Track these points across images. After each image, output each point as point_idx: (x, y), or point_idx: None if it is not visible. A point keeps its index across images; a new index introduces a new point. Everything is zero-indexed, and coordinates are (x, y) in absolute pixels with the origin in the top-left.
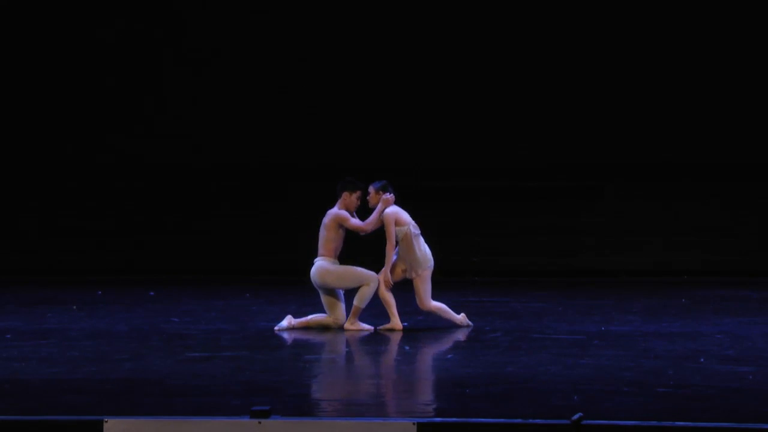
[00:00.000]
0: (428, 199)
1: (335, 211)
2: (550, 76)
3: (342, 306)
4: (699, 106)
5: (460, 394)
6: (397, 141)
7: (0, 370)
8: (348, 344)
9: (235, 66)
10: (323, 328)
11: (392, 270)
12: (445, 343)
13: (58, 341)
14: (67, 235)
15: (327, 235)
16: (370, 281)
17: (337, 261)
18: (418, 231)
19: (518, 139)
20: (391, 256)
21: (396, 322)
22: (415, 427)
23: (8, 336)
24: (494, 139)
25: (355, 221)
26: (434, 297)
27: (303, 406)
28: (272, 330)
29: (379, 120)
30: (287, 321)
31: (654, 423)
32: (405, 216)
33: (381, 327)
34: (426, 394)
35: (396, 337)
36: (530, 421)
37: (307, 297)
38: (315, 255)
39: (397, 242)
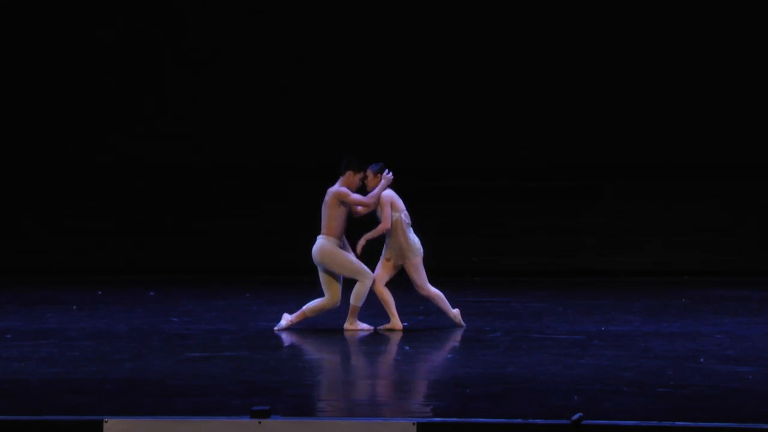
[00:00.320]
0: (428, 199)
1: (336, 188)
2: (550, 76)
3: (339, 286)
4: (699, 106)
5: (460, 394)
6: (397, 141)
7: (0, 370)
8: (348, 344)
9: (235, 66)
10: (320, 315)
11: (383, 266)
12: (445, 343)
13: (58, 341)
14: (67, 235)
15: (329, 213)
16: (364, 278)
17: (339, 241)
18: (409, 221)
19: (518, 139)
20: (379, 232)
21: (396, 322)
22: (415, 427)
23: (8, 336)
24: (494, 139)
25: (356, 196)
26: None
27: (303, 406)
28: (272, 330)
29: (379, 120)
30: (285, 320)
31: (654, 423)
32: (400, 203)
33: (381, 327)
34: (426, 394)
35: (396, 337)
36: (530, 421)
37: (307, 297)
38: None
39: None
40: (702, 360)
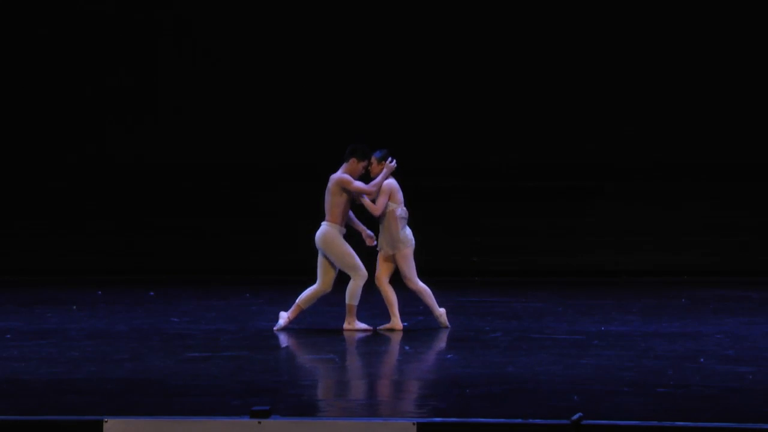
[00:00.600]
0: (428, 199)
1: (338, 174)
2: (551, 76)
3: (334, 275)
4: (699, 107)
5: (460, 394)
6: (396, 141)
7: (0, 370)
8: (347, 344)
9: (238, 66)
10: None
11: (382, 263)
12: (445, 343)
13: (58, 341)
14: (67, 235)
15: (332, 200)
16: (357, 276)
17: (343, 228)
18: (406, 215)
19: (518, 139)
20: (369, 208)
21: (396, 322)
22: (415, 427)
23: (8, 336)
24: (494, 140)
25: (358, 183)
26: (434, 296)
27: (303, 406)
28: (272, 330)
29: (378, 120)
30: (282, 319)
31: (654, 423)
32: (400, 195)
33: (381, 327)
34: (426, 394)
35: (396, 337)
36: (530, 421)
37: None
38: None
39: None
40: (702, 360)
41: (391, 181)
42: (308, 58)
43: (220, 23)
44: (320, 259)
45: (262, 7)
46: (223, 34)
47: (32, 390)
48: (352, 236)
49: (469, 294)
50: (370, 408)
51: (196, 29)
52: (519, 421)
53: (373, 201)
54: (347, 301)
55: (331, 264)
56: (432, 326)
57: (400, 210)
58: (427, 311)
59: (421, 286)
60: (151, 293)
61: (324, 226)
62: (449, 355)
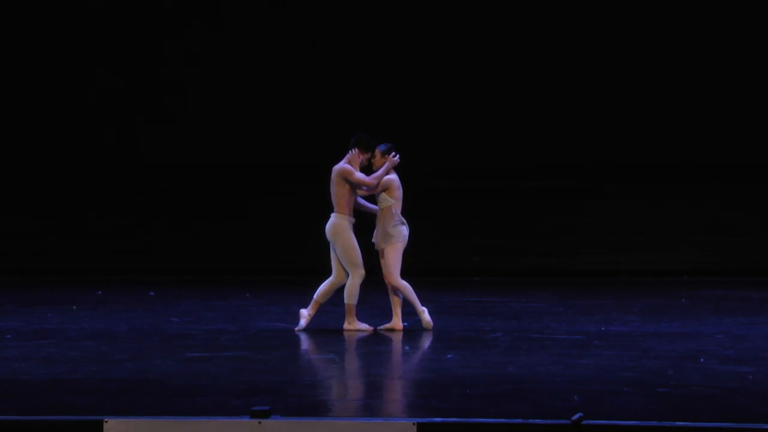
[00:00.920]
0: (428, 199)
1: (340, 165)
2: (551, 75)
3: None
4: (699, 107)
5: (460, 394)
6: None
7: (0, 370)
8: (348, 344)
9: (238, 66)
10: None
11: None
12: (445, 343)
13: (58, 341)
14: (67, 235)
15: (336, 191)
16: (355, 275)
17: (353, 218)
18: (403, 221)
19: (519, 139)
20: (369, 191)
21: (397, 321)
22: (415, 427)
23: (8, 336)
24: (494, 139)
25: (359, 175)
26: (434, 296)
27: (303, 406)
28: (272, 330)
29: (378, 120)
30: (304, 318)
31: (654, 423)
32: (400, 192)
33: (381, 327)
34: (426, 394)
35: (396, 337)
36: (530, 421)
37: (306, 296)
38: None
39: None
40: (702, 360)
41: (393, 177)
42: (308, 58)
43: (220, 23)
44: (332, 252)
45: (265, 7)
46: (223, 34)
47: (32, 390)
48: (359, 236)
49: (469, 294)
50: (370, 408)
51: (197, 29)
52: (519, 421)
53: (373, 194)
54: (346, 301)
55: None
56: (432, 326)
57: (397, 208)
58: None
59: (402, 283)
60: (151, 293)
61: (333, 218)
62: (449, 355)
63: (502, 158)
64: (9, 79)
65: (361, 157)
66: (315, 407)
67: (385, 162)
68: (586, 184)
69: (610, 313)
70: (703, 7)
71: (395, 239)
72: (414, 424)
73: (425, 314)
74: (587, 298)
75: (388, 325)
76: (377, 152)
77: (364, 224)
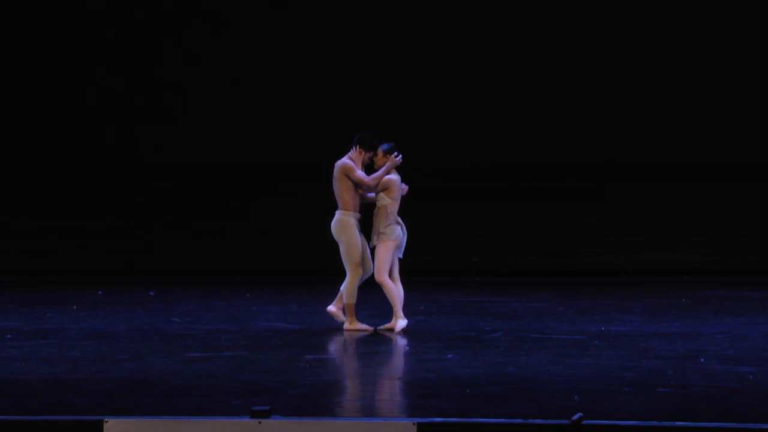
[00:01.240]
0: (428, 199)
1: (342, 161)
2: (551, 76)
3: (367, 256)
4: (699, 107)
5: (460, 394)
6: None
7: (0, 370)
8: (348, 344)
9: (237, 66)
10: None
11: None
12: (445, 343)
13: (58, 341)
14: (67, 235)
15: (339, 187)
16: (354, 275)
17: (358, 213)
18: (399, 219)
19: (519, 139)
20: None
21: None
22: (415, 427)
23: (8, 336)
24: (494, 139)
25: (359, 173)
26: (434, 296)
27: (303, 406)
28: (272, 330)
29: (378, 119)
30: (342, 318)
31: (654, 423)
32: (398, 192)
33: (381, 327)
34: (426, 394)
35: (396, 337)
36: (530, 421)
37: (307, 297)
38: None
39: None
40: (702, 360)
41: (394, 177)
42: (308, 58)
43: (220, 23)
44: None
45: (265, 7)
46: (222, 34)
47: (32, 390)
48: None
49: (469, 294)
50: (370, 408)
51: (197, 29)
52: (519, 421)
53: (372, 194)
54: (345, 301)
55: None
56: (432, 326)
57: (394, 209)
58: (428, 312)
59: (389, 283)
60: (151, 293)
61: (338, 215)
62: (449, 355)
63: (502, 158)
64: (9, 79)
65: (364, 155)
66: (315, 407)
67: (386, 161)
68: (586, 184)
69: (610, 313)
70: (703, 7)
71: (387, 237)
72: (414, 424)
73: (401, 321)
74: (587, 298)
75: (388, 325)
76: (380, 151)
77: (364, 224)
